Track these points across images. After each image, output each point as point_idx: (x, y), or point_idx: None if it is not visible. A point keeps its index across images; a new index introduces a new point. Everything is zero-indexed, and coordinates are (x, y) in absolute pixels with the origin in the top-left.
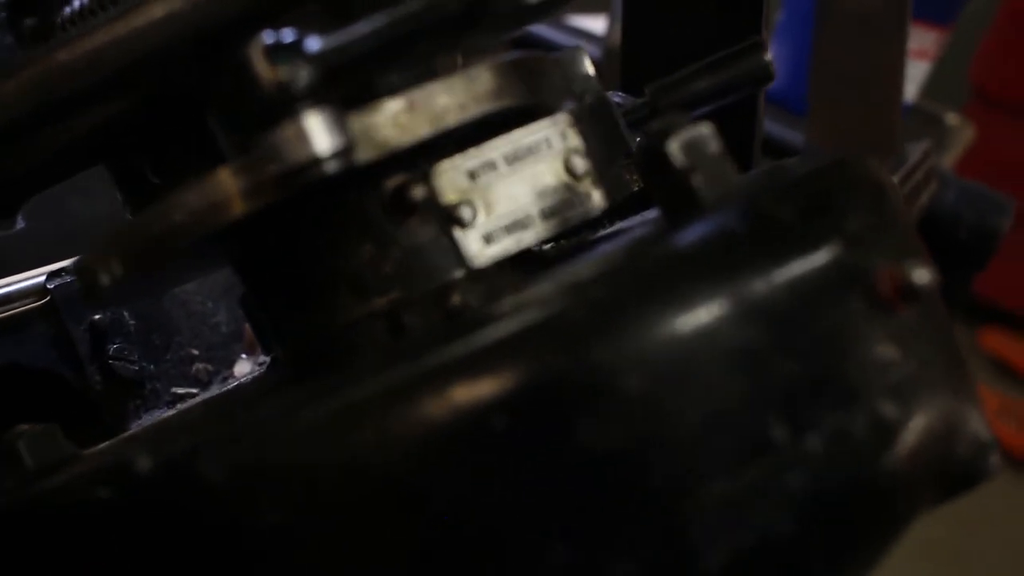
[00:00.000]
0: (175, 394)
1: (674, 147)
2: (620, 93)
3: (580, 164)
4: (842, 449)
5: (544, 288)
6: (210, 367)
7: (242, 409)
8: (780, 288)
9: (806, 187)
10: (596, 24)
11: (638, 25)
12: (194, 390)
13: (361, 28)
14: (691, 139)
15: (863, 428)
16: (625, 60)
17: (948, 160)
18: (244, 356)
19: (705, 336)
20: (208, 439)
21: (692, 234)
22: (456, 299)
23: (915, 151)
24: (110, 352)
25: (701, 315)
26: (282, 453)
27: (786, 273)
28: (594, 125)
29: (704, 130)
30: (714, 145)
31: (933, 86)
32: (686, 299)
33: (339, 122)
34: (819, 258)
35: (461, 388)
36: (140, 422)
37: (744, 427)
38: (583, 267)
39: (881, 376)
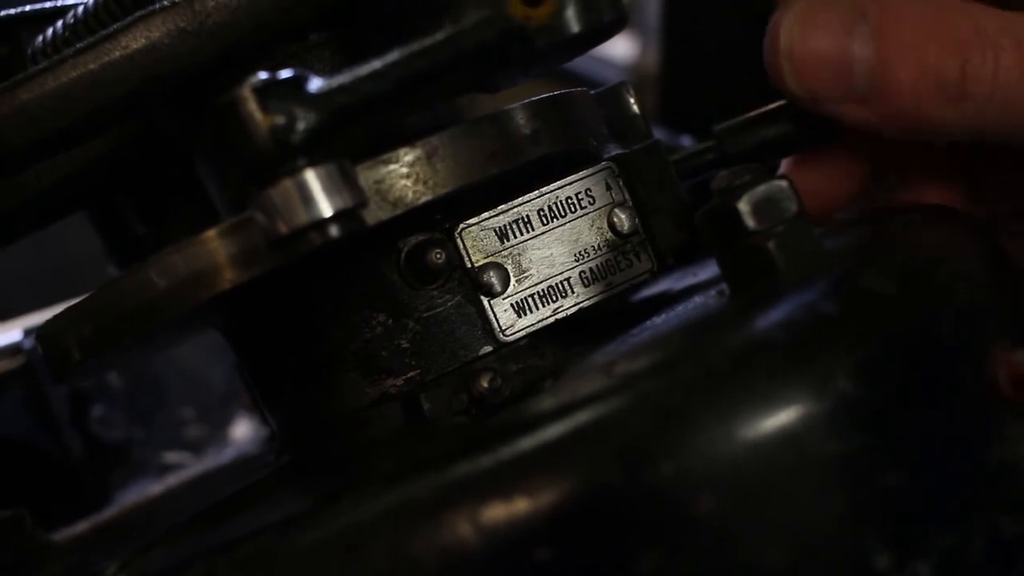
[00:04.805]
0: (165, 463)
1: (746, 206)
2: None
3: (626, 221)
4: None
5: (592, 380)
6: (204, 430)
7: (230, 516)
8: (881, 384)
9: (905, 252)
10: (617, 48)
11: (682, 49)
12: (186, 456)
13: (373, 64)
14: (766, 196)
15: (981, 550)
16: (665, 90)
17: None
18: (242, 416)
19: (792, 446)
20: (191, 557)
21: (773, 317)
22: (484, 383)
23: None
24: (93, 417)
25: (787, 420)
26: None
27: (888, 365)
28: (642, 175)
29: (782, 185)
30: (793, 204)
31: None
32: (769, 401)
33: (346, 177)
34: (926, 344)
35: (495, 509)
36: (125, 496)
37: (839, 556)
38: (637, 353)
39: (1001, 485)
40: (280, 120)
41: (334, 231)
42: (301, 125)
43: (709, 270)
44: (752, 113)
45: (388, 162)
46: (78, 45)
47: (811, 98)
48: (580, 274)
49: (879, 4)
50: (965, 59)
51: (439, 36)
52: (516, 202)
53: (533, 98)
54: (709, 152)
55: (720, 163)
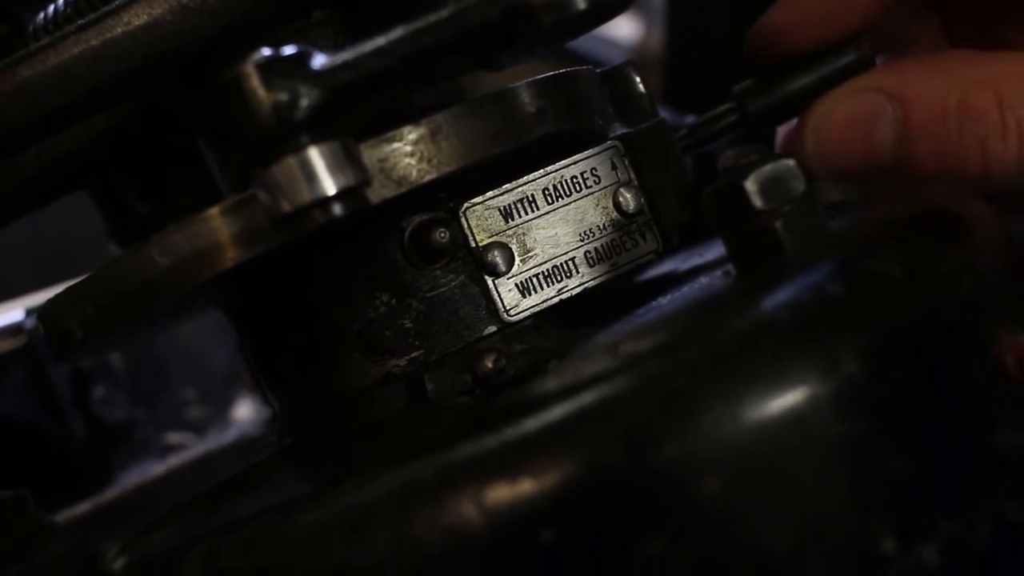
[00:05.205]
0: (167, 444)
1: (753, 185)
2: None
3: (631, 200)
4: (962, 561)
5: (597, 361)
6: (207, 411)
7: (233, 497)
8: (887, 365)
9: (911, 235)
10: (622, 29)
11: (686, 30)
12: (189, 437)
13: (377, 41)
14: (773, 175)
15: (987, 535)
16: (669, 71)
17: None
18: (245, 396)
19: (798, 428)
20: (193, 538)
21: (779, 297)
22: (488, 363)
23: None
24: (94, 398)
25: (793, 402)
26: (277, 562)
27: (893, 347)
28: (648, 154)
29: (789, 164)
30: (800, 183)
31: None
32: (775, 382)
33: (349, 155)
34: (932, 327)
35: (499, 490)
36: (127, 477)
37: (845, 539)
38: (643, 334)
39: (1007, 470)
40: (283, 97)
41: (337, 209)
42: (304, 102)
43: (715, 250)
44: (769, 69)
45: (392, 140)
46: (80, 21)
47: (839, 180)
48: (585, 254)
49: (902, 86)
50: (984, 143)
51: (444, 13)
52: (521, 181)
53: (538, 76)
54: (731, 113)
55: (743, 123)
